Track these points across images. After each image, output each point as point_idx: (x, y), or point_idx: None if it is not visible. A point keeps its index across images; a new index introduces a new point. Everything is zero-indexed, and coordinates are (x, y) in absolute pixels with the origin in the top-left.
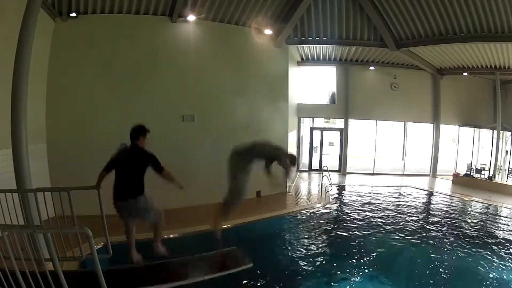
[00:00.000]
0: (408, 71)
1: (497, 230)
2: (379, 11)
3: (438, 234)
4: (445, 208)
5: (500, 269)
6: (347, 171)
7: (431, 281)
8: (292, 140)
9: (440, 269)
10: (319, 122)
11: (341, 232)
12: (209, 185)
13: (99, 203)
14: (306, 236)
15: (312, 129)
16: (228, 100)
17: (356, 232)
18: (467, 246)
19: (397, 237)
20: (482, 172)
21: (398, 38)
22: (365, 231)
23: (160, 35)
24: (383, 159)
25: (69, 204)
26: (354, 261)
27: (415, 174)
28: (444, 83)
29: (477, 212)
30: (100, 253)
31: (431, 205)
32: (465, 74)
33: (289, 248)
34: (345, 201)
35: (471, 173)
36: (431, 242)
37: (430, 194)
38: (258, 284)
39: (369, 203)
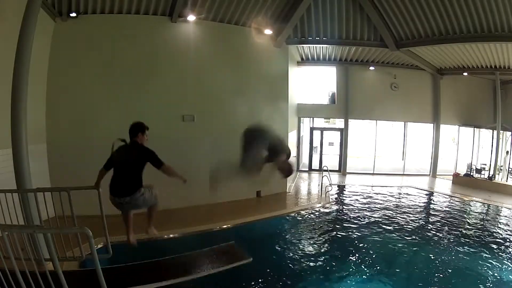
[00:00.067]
0: (408, 71)
1: (497, 230)
2: (379, 11)
3: (438, 234)
4: (445, 208)
5: (500, 269)
6: (347, 171)
7: (431, 281)
8: (292, 140)
9: (440, 269)
10: (319, 122)
11: (341, 232)
12: (209, 185)
13: (99, 203)
14: (306, 236)
15: (312, 129)
16: (228, 100)
17: (356, 232)
18: (467, 246)
19: (397, 237)
20: (482, 172)
21: (398, 38)
22: (365, 231)
23: (160, 35)
24: (383, 159)
25: (69, 204)
26: (354, 261)
27: (415, 174)
28: (444, 83)
29: (477, 212)
30: (100, 253)
31: (431, 205)
32: (465, 74)
33: (289, 248)
34: (345, 201)
35: (471, 173)
36: (431, 242)
37: (430, 194)
38: (258, 284)
39: (369, 203)
